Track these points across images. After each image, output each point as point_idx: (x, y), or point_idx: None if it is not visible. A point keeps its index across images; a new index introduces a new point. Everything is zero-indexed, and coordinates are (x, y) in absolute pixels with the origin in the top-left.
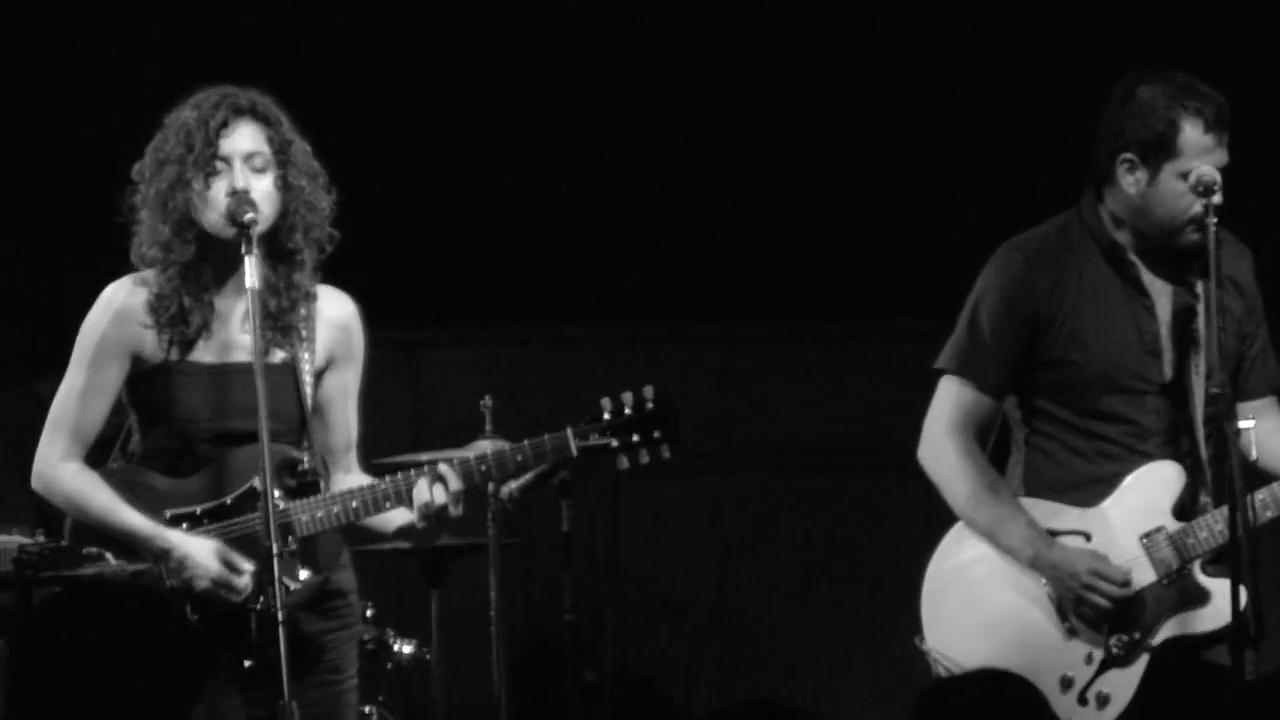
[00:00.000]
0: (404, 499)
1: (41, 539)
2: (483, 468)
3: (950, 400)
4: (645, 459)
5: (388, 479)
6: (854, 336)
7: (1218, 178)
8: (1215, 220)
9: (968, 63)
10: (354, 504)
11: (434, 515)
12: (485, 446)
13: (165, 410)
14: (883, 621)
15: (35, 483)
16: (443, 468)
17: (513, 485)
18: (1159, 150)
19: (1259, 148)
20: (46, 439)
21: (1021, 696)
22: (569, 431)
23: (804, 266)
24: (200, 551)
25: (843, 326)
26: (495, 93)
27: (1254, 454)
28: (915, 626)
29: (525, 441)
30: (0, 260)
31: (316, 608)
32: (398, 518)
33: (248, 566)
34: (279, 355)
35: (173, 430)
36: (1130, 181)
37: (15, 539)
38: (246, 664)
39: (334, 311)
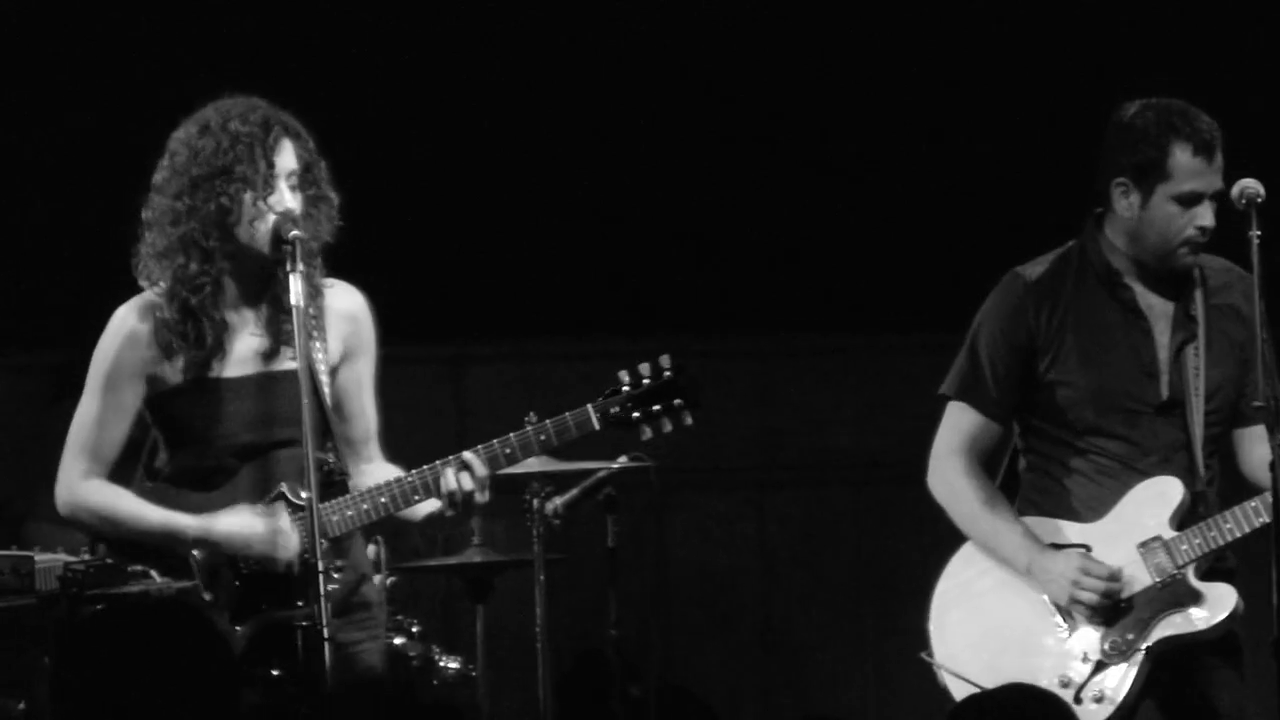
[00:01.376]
0: (432, 490)
1: (87, 556)
2: (506, 450)
3: (954, 425)
4: (668, 427)
5: (414, 472)
6: (899, 349)
7: (1260, 189)
8: (1259, 234)
9: (1011, 73)
10: (383, 499)
11: (462, 503)
12: (469, 456)
13: (190, 429)
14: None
15: (60, 508)
16: (468, 455)
17: (558, 501)
18: (1151, 173)
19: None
20: (65, 464)
21: (1051, 711)
22: (589, 407)
23: (850, 278)
24: (236, 521)
25: (888, 339)
26: (538, 112)
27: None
28: (923, 642)
29: (547, 420)
30: (36, 285)
31: (346, 618)
32: (425, 507)
33: (286, 519)
34: (293, 359)
35: (199, 448)
36: (1125, 205)
37: (61, 556)
38: (275, 672)
39: (343, 304)
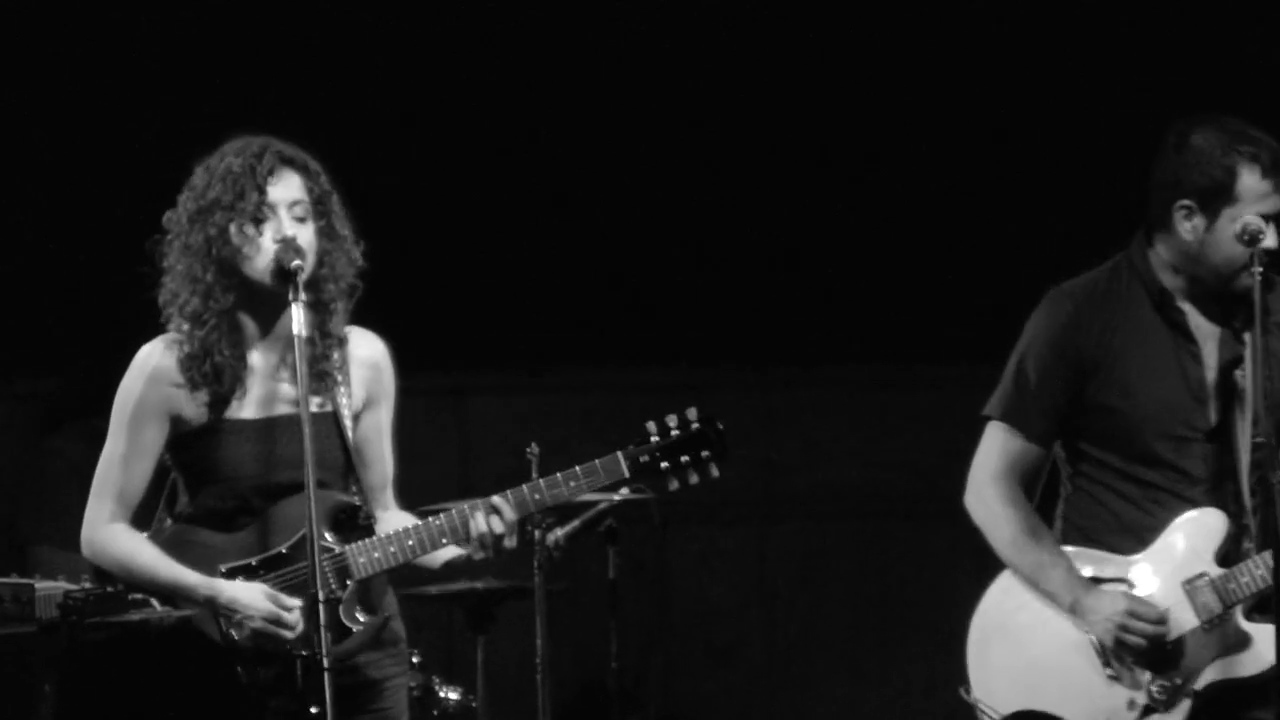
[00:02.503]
0: (459, 534)
1: (88, 585)
2: (536, 495)
3: (996, 447)
4: (694, 479)
5: (442, 515)
6: (902, 382)
7: (1264, 225)
8: (1261, 269)
9: (1023, 110)
10: (410, 543)
11: (491, 546)
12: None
13: (213, 470)
14: (930, 668)
15: (85, 549)
16: (496, 499)
17: (559, 532)
18: (1217, 196)
19: None
20: (93, 505)
21: None
22: (620, 455)
23: (852, 312)
24: (248, 593)
25: (891, 372)
26: (541, 143)
27: None
28: (961, 677)
29: (576, 467)
30: (43, 309)
31: (376, 652)
32: (445, 553)
33: (296, 603)
34: (318, 403)
35: (221, 489)
36: (1188, 228)
37: (61, 585)
38: (314, 710)
39: (364, 351)
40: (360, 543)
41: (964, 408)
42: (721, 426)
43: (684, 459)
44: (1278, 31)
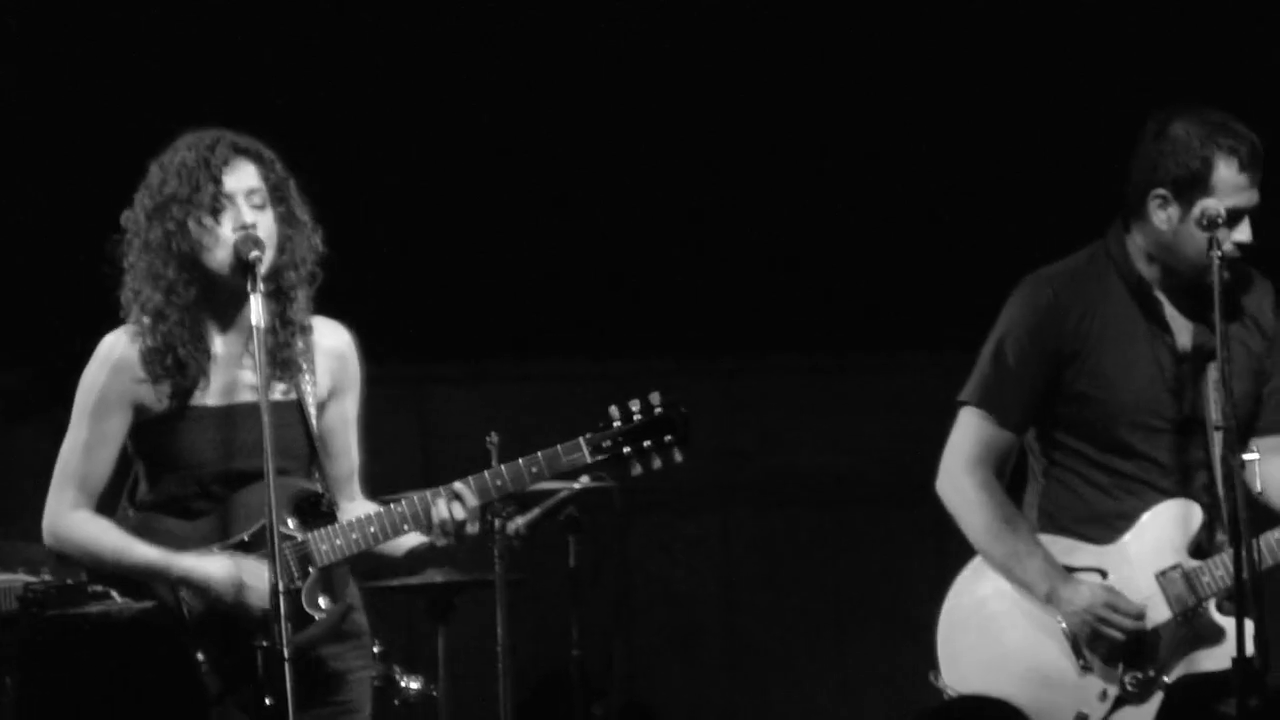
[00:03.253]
0: (421, 521)
1: (48, 577)
2: (498, 481)
3: (970, 433)
4: (657, 464)
5: (403, 502)
6: (864, 369)
7: (1222, 211)
8: (1221, 254)
9: (986, 98)
10: (372, 529)
11: (453, 533)
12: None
13: (174, 458)
14: (892, 655)
15: (46, 538)
16: (458, 485)
17: (519, 521)
18: (1192, 187)
19: None
20: (54, 494)
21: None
22: (581, 440)
23: (815, 299)
24: (218, 567)
25: (853, 359)
26: (498, 129)
27: (1258, 486)
28: (928, 662)
29: (539, 453)
30: (12, 301)
31: (338, 644)
32: (408, 540)
33: (264, 572)
34: (282, 391)
35: (184, 477)
36: (1162, 218)
37: (20, 577)
38: (268, 701)
39: (330, 341)
40: (322, 530)
41: (925, 394)
42: (684, 410)
43: (646, 443)
44: (1250, 22)
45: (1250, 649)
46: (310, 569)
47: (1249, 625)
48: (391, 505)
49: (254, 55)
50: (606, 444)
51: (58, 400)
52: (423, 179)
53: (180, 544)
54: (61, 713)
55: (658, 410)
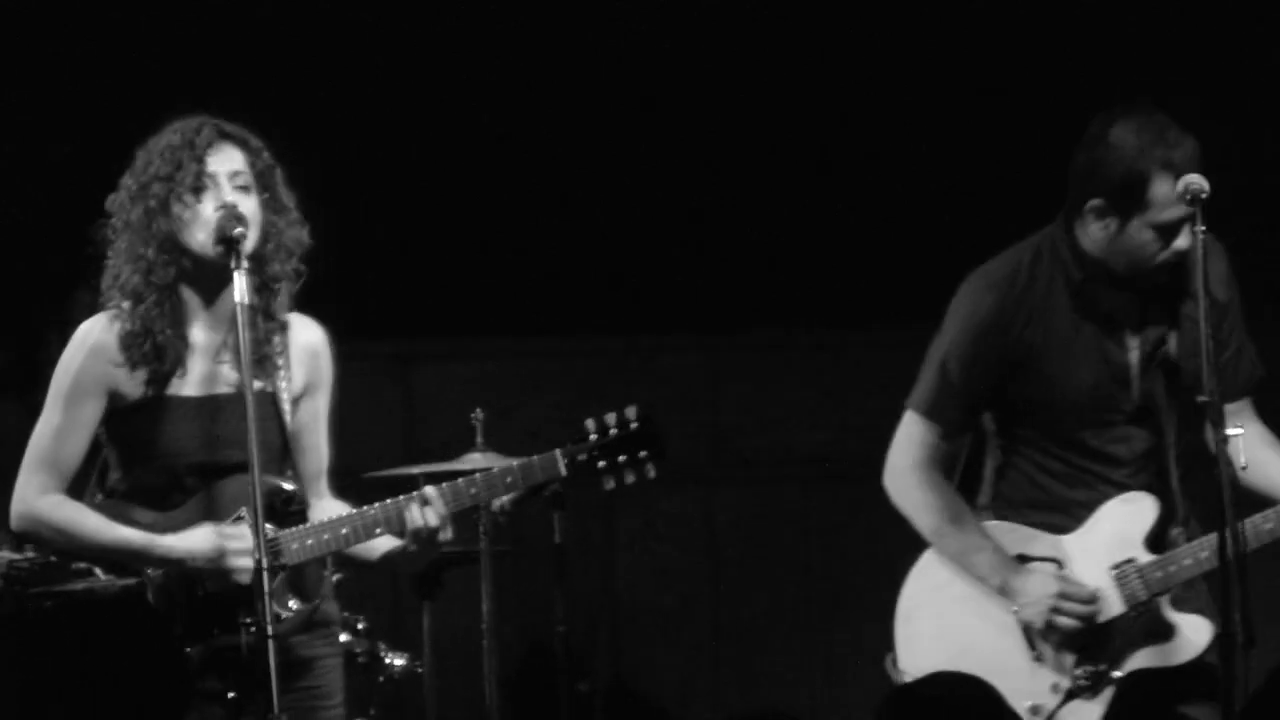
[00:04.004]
0: (393, 525)
1: (31, 554)
2: (472, 490)
3: (916, 439)
4: (631, 479)
5: (376, 505)
6: (848, 345)
7: (1206, 186)
8: (1204, 229)
9: (959, 72)
10: (344, 531)
11: (426, 539)
12: (431, 492)
13: (148, 446)
14: (877, 632)
15: (17, 521)
16: (429, 491)
17: (504, 498)
18: (1128, 201)
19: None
20: (24, 478)
21: (982, 696)
22: (557, 453)
23: (797, 275)
24: (199, 539)
25: (836, 335)
26: (486, 106)
27: (1241, 461)
28: (889, 646)
29: (514, 463)
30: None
31: (305, 633)
32: (382, 544)
33: (247, 538)
34: (258, 385)
35: (157, 465)
36: (1099, 227)
37: (5, 554)
38: (230, 695)
39: (305, 338)
40: (294, 529)
41: (910, 372)
42: (659, 427)
43: (621, 459)
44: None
45: (1207, 638)
46: (280, 566)
47: (1208, 625)
48: (364, 508)
49: (241, 39)
50: (582, 458)
51: (33, 383)
52: (409, 157)
53: (153, 532)
54: (45, 690)
55: (633, 425)
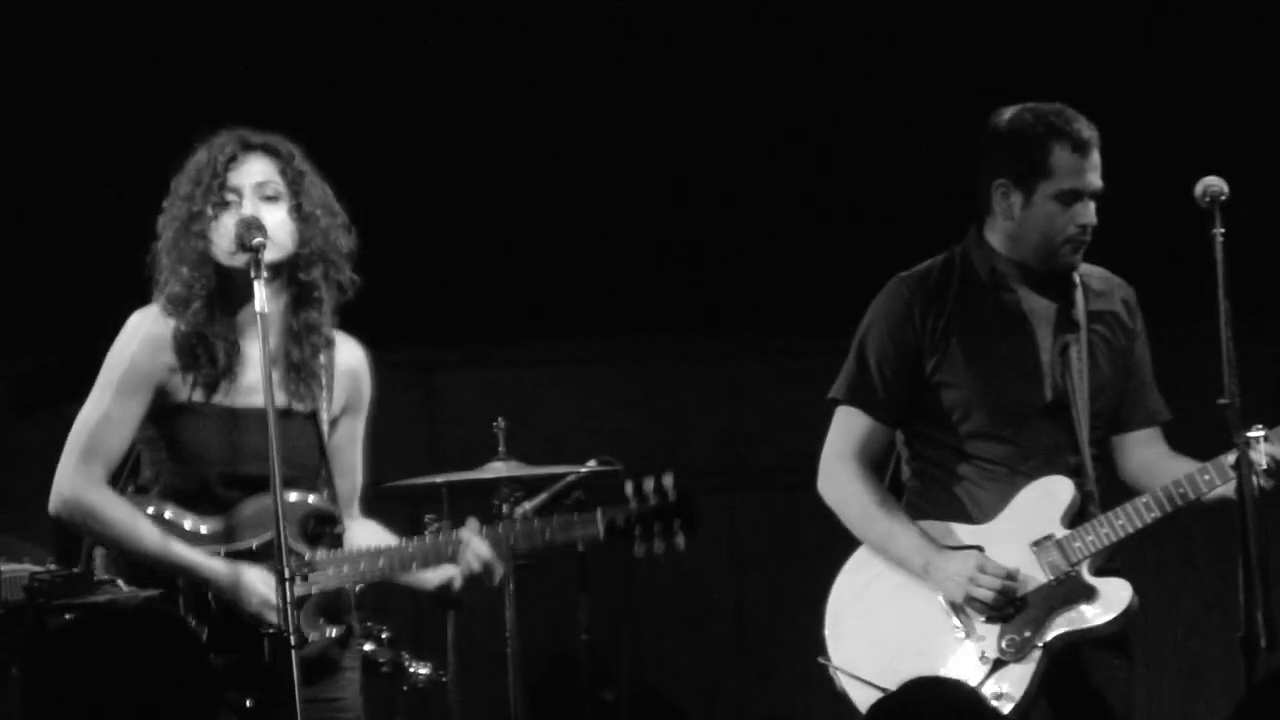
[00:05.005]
0: (430, 562)
1: (53, 567)
2: (511, 540)
3: (845, 429)
4: (660, 548)
5: (414, 541)
6: None
7: (1224, 187)
8: (1223, 231)
9: (972, 74)
10: (380, 563)
11: (480, 582)
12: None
13: (186, 450)
14: None
15: (63, 506)
16: (473, 537)
17: (527, 506)
18: (1032, 172)
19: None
20: (77, 462)
21: (964, 698)
22: (598, 514)
23: (816, 279)
24: (255, 578)
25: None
26: (504, 114)
27: (1264, 463)
28: (820, 648)
29: (554, 518)
30: (25, 289)
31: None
32: (436, 576)
33: (265, 581)
34: (301, 405)
35: (192, 471)
36: (1006, 207)
37: (27, 567)
38: (248, 703)
39: (346, 358)
40: (330, 554)
41: None
42: (694, 498)
43: (656, 527)
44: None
45: (1128, 598)
46: (312, 591)
47: (1127, 587)
48: (403, 542)
49: (256, 49)
50: (620, 522)
51: (65, 393)
52: (428, 166)
53: (188, 540)
54: (69, 703)
55: (671, 498)
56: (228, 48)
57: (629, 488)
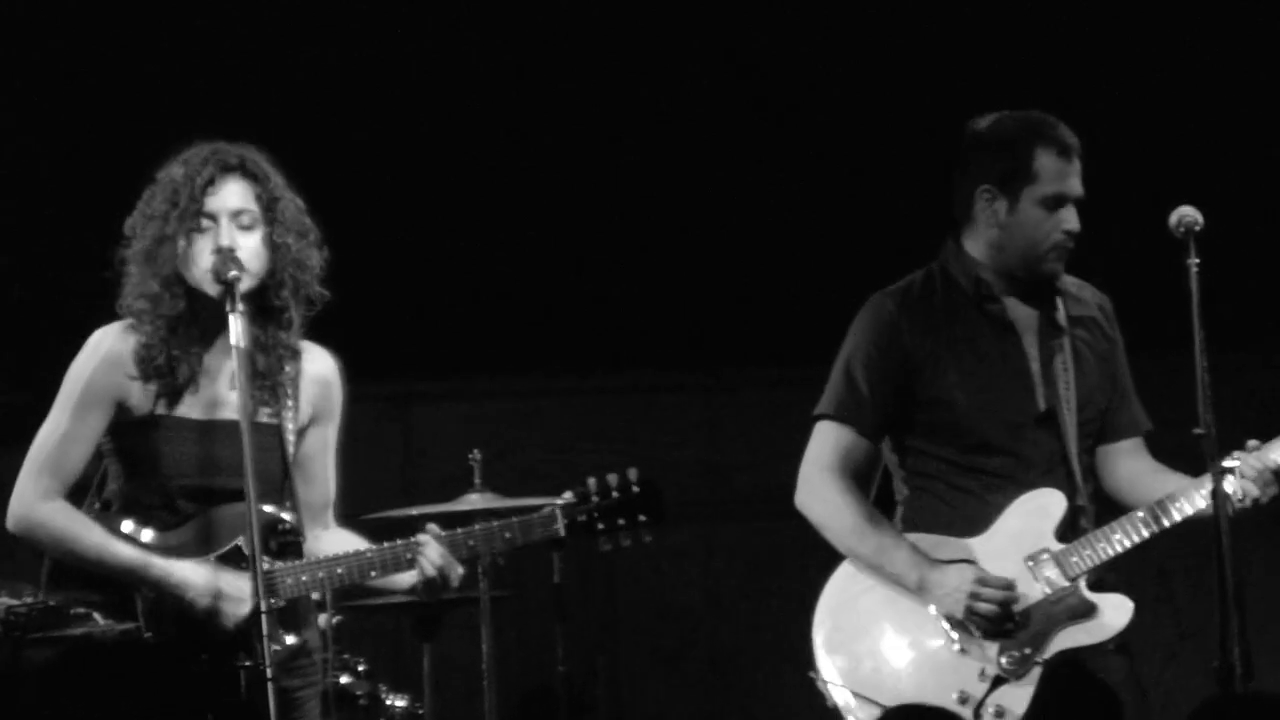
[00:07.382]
0: (388, 569)
1: (30, 600)
2: (470, 542)
3: (829, 444)
4: (626, 542)
5: (373, 548)
6: None
7: (1199, 217)
8: (1198, 261)
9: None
10: (339, 570)
11: (438, 585)
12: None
13: (149, 463)
14: None
15: (14, 524)
16: (428, 539)
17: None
18: (1015, 177)
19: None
20: (28, 479)
21: None
22: (558, 511)
23: (793, 313)
24: (196, 572)
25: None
26: (484, 149)
27: (1239, 494)
28: (808, 663)
29: (514, 519)
30: (13, 323)
31: (287, 666)
32: (405, 579)
33: (242, 585)
34: (265, 414)
35: (154, 484)
36: (990, 213)
37: (4, 600)
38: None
39: (316, 367)
40: (290, 563)
41: None
42: (660, 491)
43: (620, 521)
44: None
45: (1129, 615)
46: (273, 600)
47: (1128, 602)
48: (362, 550)
49: (243, 63)
50: (582, 518)
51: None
52: (408, 196)
53: (151, 553)
54: None
55: (634, 490)
56: (222, 70)
57: (591, 483)
